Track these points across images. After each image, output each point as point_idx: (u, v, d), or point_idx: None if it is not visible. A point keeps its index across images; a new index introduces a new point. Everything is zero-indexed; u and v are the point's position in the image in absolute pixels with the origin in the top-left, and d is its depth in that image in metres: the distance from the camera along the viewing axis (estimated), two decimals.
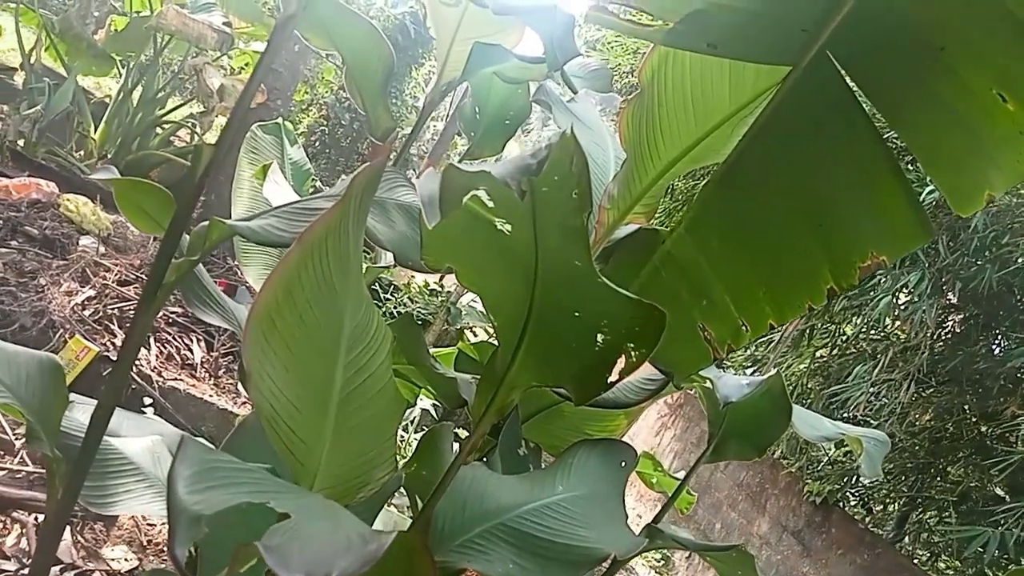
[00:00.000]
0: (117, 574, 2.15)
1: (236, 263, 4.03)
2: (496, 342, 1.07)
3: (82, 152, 5.19)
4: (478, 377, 1.14)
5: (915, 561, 4.57)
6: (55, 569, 2.01)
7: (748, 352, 5.92)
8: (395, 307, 6.05)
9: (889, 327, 4.81)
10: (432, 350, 1.45)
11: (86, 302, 3.19)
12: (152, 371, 3.06)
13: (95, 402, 1.03)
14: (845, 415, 4.69)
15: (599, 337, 0.93)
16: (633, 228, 1.23)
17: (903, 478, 4.69)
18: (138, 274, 3.58)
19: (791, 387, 5.14)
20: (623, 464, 1.27)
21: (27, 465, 2.35)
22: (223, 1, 4.85)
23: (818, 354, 5.30)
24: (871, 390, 4.53)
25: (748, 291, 1.05)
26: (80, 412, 1.16)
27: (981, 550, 3.71)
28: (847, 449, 4.79)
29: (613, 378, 0.96)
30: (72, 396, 1.14)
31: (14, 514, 2.14)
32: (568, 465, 1.24)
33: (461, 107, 1.77)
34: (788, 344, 5.47)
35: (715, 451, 1.47)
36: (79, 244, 3.64)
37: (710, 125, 1.14)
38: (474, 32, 1.46)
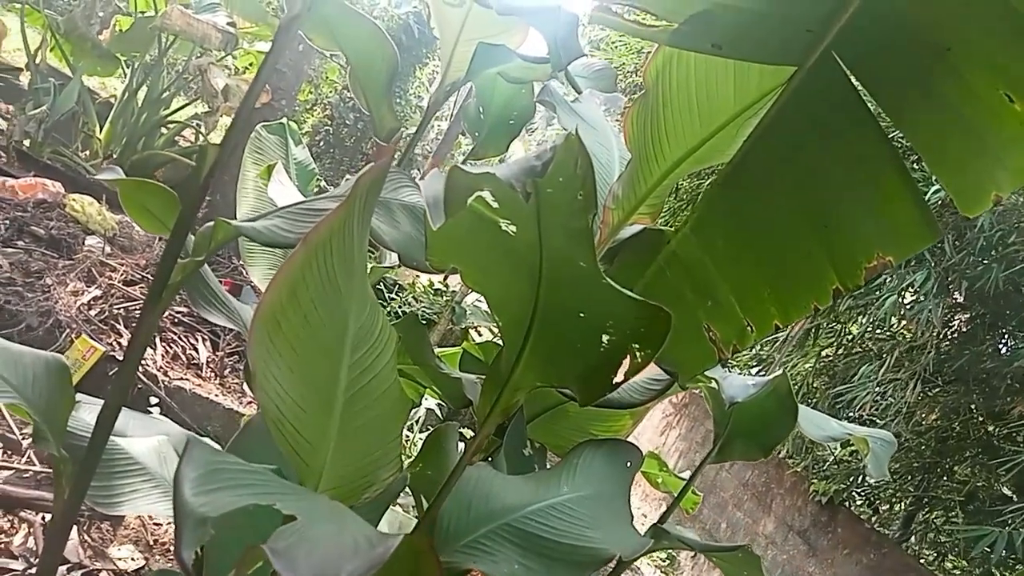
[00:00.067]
0: (124, 573, 2.16)
1: (241, 263, 4.05)
2: (501, 342, 1.06)
3: (87, 152, 5.21)
4: (483, 377, 1.13)
5: (921, 561, 4.55)
6: (62, 568, 2.02)
7: (753, 352, 5.90)
8: (400, 306, 6.05)
9: (895, 326, 4.79)
10: (437, 350, 1.46)
11: (92, 302, 3.21)
12: (158, 371, 3.07)
13: (101, 402, 1.04)
14: (851, 415, 4.68)
15: (604, 338, 0.93)
16: (638, 228, 1.22)
17: (909, 478, 4.67)
18: (144, 274, 3.59)
19: (797, 387, 5.12)
20: (628, 464, 1.27)
21: (34, 465, 2.36)
22: (227, 1, 4.86)
23: (824, 354, 5.28)
24: (877, 390, 4.51)
25: (753, 291, 1.05)
26: (86, 412, 1.16)
27: (988, 550, 3.69)
28: (853, 449, 4.77)
29: (618, 379, 0.95)
30: (78, 396, 1.14)
31: (21, 513, 2.16)
32: (573, 465, 1.24)
33: (465, 107, 1.77)
34: (794, 344, 5.45)
35: (720, 451, 1.46)
36: (85, 244, 3.66)
37: (715, 125, 1.13)
38: (478, 32, 1.46)
